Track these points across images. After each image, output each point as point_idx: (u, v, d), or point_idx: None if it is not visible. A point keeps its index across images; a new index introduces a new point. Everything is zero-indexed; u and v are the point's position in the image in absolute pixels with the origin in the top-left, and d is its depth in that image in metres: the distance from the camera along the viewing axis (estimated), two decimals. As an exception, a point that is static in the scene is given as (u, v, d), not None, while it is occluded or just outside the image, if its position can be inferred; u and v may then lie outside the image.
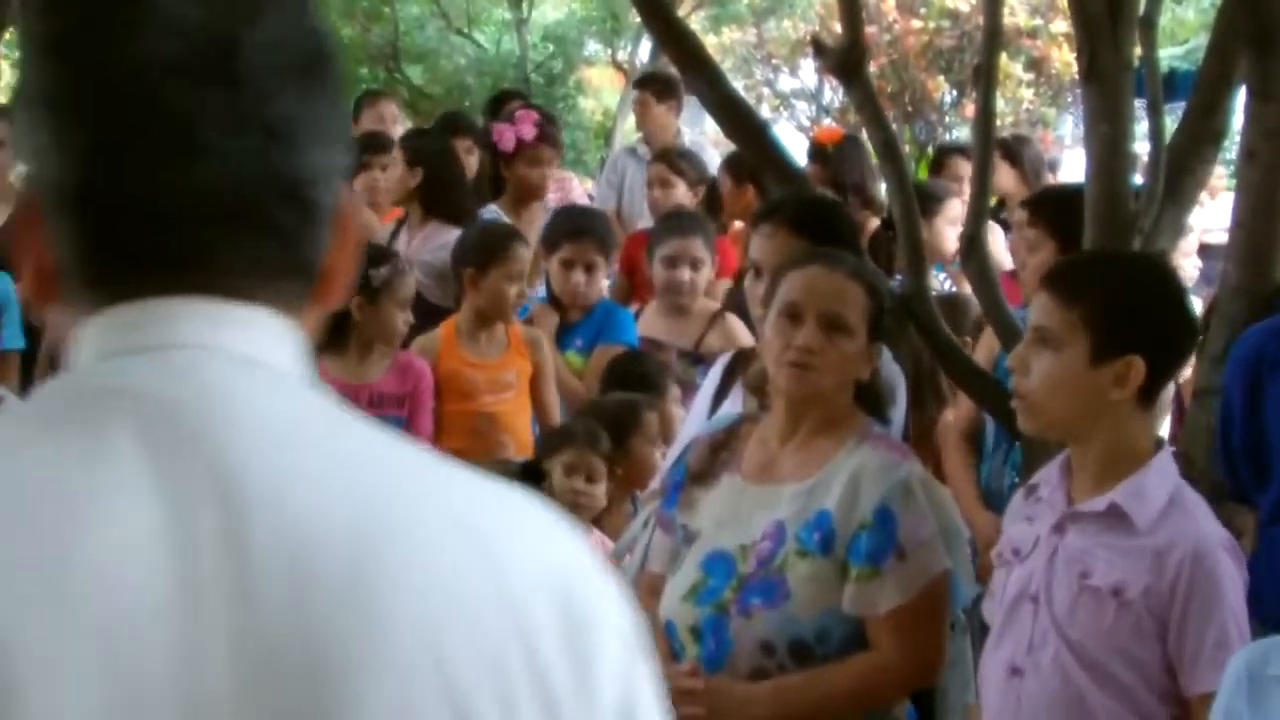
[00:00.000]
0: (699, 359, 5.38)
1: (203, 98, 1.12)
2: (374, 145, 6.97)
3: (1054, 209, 4.45)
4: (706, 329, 5.54)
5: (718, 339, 5.49)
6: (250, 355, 1.14)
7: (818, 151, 7.48)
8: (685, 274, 5.55)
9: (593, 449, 4.56)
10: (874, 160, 6.28)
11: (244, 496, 1.06)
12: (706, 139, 10.07)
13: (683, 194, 6.83)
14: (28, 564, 1.03)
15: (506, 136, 6.59)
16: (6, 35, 8.79)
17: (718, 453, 3.39)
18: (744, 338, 5.46)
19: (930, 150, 11.61)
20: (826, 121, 17.76)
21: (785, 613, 3.12)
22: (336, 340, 4.87)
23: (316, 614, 1.06)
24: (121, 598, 1.03)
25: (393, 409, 4.91)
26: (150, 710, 1.02)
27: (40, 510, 1.05)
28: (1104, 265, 3.35)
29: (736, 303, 5.43)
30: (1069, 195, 4.40)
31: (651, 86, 8.27)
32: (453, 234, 5.79)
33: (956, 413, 4.87)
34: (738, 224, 6.84)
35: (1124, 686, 2.87)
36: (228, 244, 1.14)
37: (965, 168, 6.84)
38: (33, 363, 5.39)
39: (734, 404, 3.99)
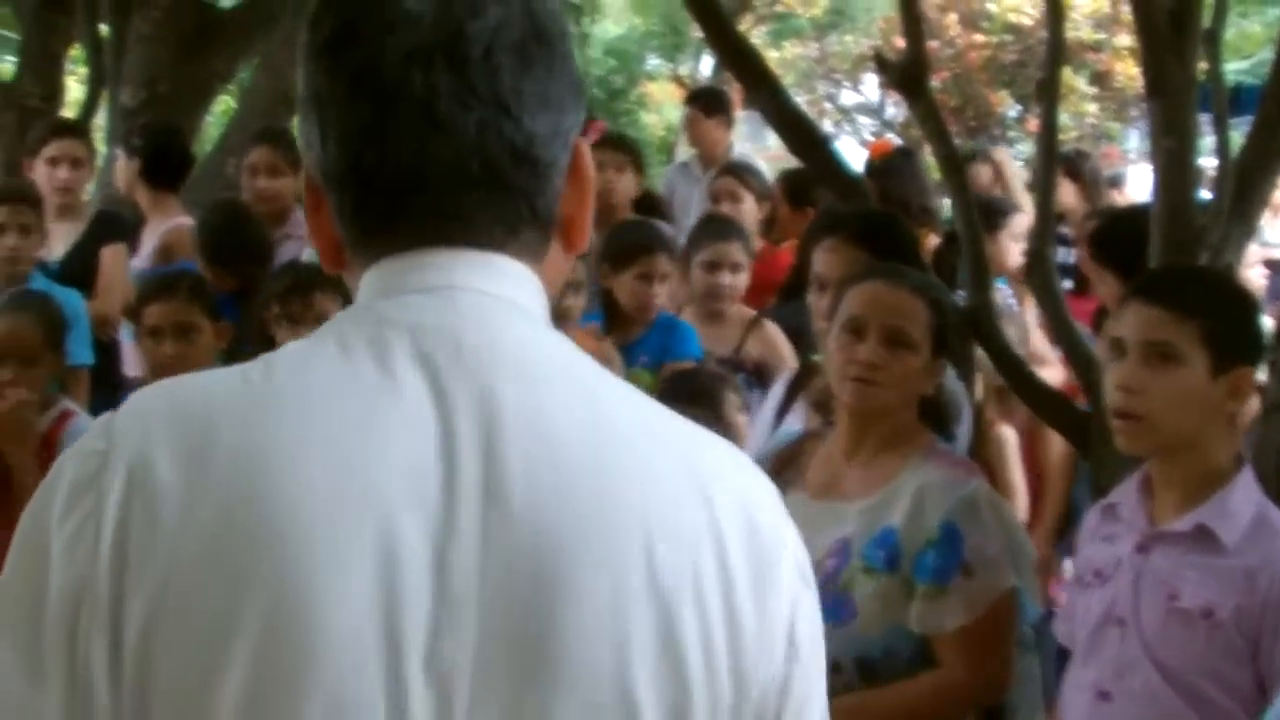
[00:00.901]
0: (738, 366, 5.38)
1: (437, 81, 1.33)
2: None
3: (1112, 246, 4.42)
4: (745, 335, 5.55)
5: (756, 345, 5.50)
6: (511, 298, 1.35)
7: (869, 167, 7.47)
8: (725, 278, 5.53)
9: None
10: (932, 175, 6.27)
11: (500, 417, 1.28)
12: (757, 154, 10.05)
13: (750, 208, 6.80)
14: (320, 465, 1.25)
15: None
16: (72, 50, 8.89)
17: (781, 469, 3.38)
18: (782, 345, 5.46)
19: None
20: (889, 136, 17.72)
21: (851, 631, 3.10)
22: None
23: (549, 520, 1.26)
24: (395, 494, 1.25)
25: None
26: (412, 593, 1.23)
27: (330, 418, 1.27)
28: (1208, 278, 3.26)
29: (779, 317, 5.46)
30: (1126, 223, 4.40)
31: (701, 101, 8.26)
32: None
33: None
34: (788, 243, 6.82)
35: (1217, 709, 2.81)
36: (473, 202, 1.35)
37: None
38: (101, 378, 5.43)
39: (797, 418, 3.98)
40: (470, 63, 1.34)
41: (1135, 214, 4.63)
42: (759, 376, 5.37)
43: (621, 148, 6.85)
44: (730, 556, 1.31)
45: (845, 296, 3.32)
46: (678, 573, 1.28)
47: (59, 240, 5.94)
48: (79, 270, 5.68)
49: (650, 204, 6.95)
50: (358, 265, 1.39)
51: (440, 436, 1.27)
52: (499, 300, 1.35)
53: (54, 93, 8.14)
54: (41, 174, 6.06)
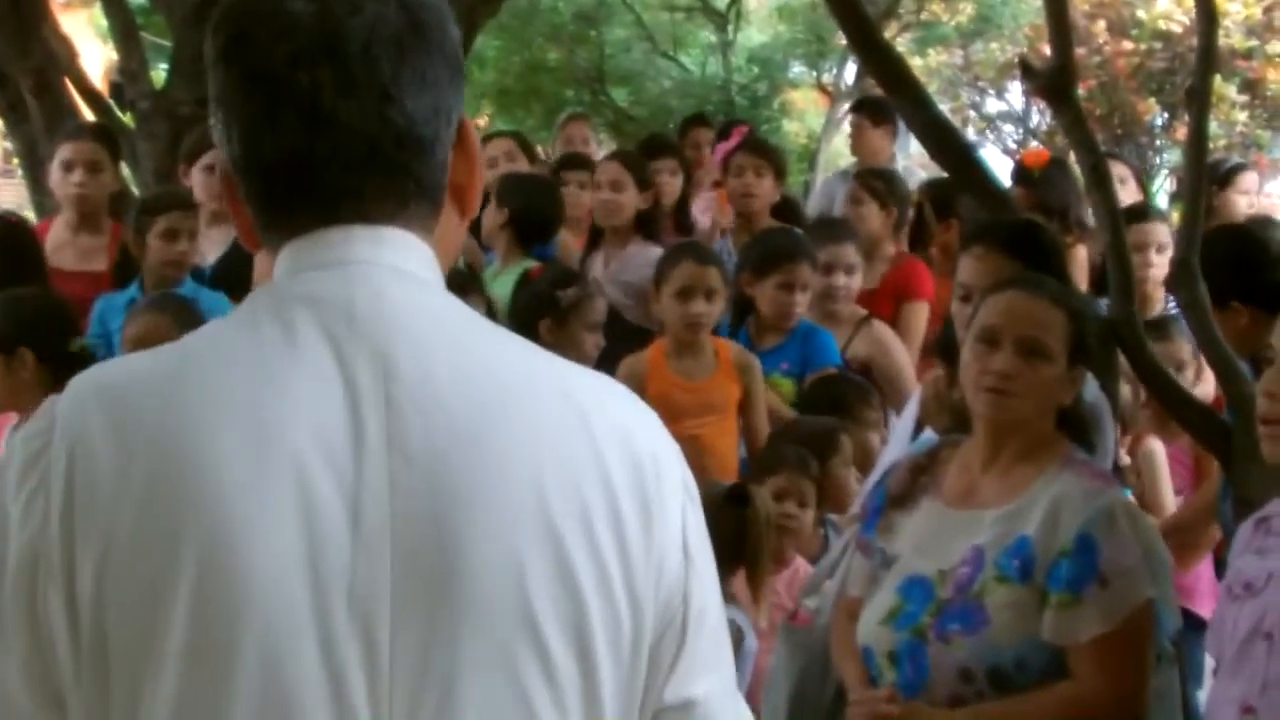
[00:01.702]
0: (846, 364, 5.39)
1: (320, 76, 1.49)
2: (572, 164, 7.03)
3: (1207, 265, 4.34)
4: (854, 333, 5.55)
5: (864, 344, 5.49)
6: (398, 266, 1.51)
7: (1023, 174, 7.38)
8: (840, 279, 5.60)
9: (804, 474, 4.55)
10: (1081, 184, 6.18)
11: (395, 374, 1.44)
12: (913, 162, 10.01)
13: (874, 213, 6.76)
14: (237, 428, 1.41)
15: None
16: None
17: (918, 477, 3.37)
18: (893, 344, 5.48)
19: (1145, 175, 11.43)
20: (1033, 144, 17.54)
21: (984, 639, 3.08)
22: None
23: (446, 465, 1.43)
24: (308, 449, 1.41)
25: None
26: (331, 537, 1.39)
27: (244, 385, 1.43)
28: None
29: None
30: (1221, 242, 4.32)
31: (867, 110, 8.23)
32: (655, 252, 5.80)
33: None
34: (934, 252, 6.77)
35: None
36: (361, 183, 1.52)
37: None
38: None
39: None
40: (350, 57, 1.50)
41: (1230, 234, 4.55)
42: (865, 376, 5.39)
43: (762, 152, 6.84)
44: (614, 480, 1.48)
45: (981, 307, 3.30)
46: (566, 501, 1.45)
47: (213, 245, 6.05)
48: (233, 274, 5.77)
49: (790, 210, 6.94)
50: (270, 247, 1.56)
51: (344, 396, 1.43)
52: (388, 269, 1.50)
53: (205, 100, 8.26)
54: (198, 181, 6.14)
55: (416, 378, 1.45)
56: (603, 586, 1.46)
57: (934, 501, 3.30)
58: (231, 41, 1.53)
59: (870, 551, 3.37)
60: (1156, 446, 5.07)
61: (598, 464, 1.48)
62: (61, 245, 6.01)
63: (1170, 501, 5.04)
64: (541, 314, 5.10)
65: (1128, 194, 7.17)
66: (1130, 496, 4.44)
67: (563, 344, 4.91)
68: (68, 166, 6.04)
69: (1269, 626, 2.86)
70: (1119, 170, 7.34)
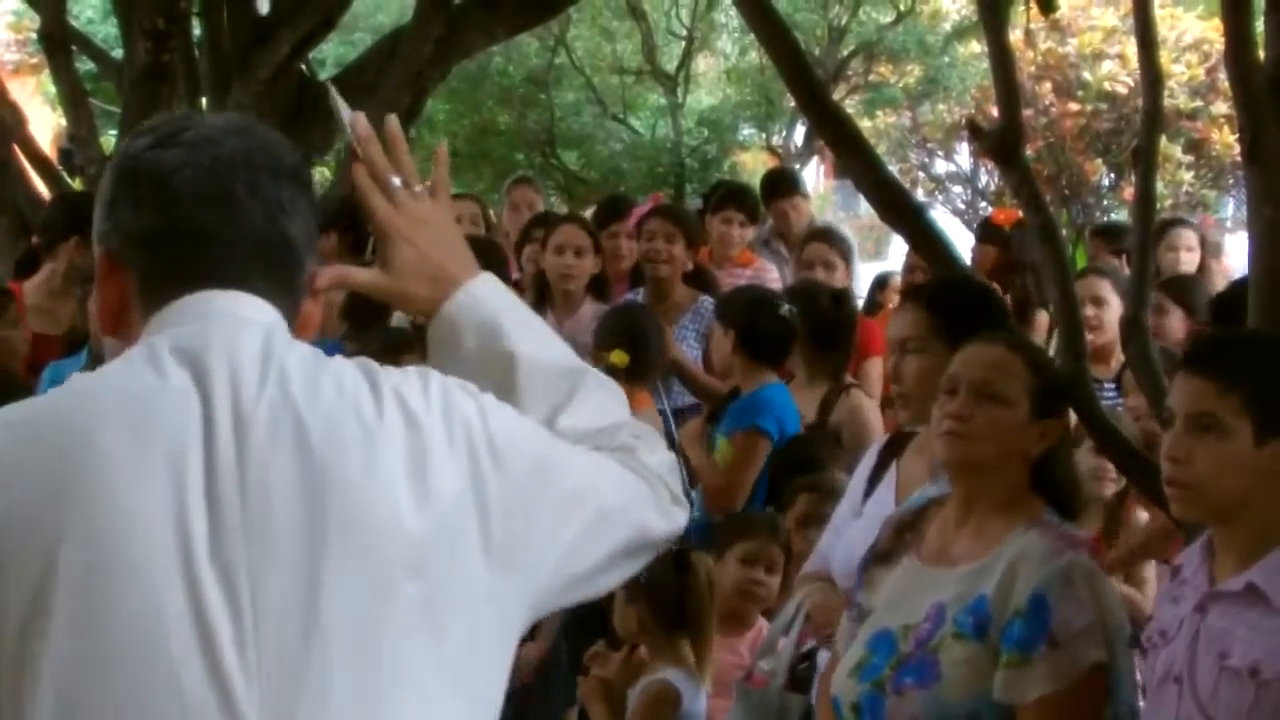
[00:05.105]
0: (821, 430, 5.41)
1: (234, 177, 1.86)
2: (540, 224, 7.10)
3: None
4: (830, 403, 5.57)
5: (840, 412, 5.51)
6: (257, 319, 1.84)
7: (994, 233, 7.43)
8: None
9: (774, 540, 4.54)
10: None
11: (240, 382, 1.76)
12: (849, 222, 10.07)
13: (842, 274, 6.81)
14: (116, 431, 1.72)
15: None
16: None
17: (903, 534, 3.40)
18: (868, 414, 5.46)
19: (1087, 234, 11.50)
20: (982, 205, 17.65)
21: (935, 695, 3.09)
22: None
23: (288, 435, 1.75)
24: (175, 434, 1.73)
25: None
26: (193, 508, 1.70)
27: (123, 394, 1.76)
28: (1256, 345, 3.23)
29: None
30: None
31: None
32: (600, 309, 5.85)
33: None
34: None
35: None
36: (249, 270, 1.87)
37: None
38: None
39: (888, 487, 3.97)
40: (260, 173, 1.88)
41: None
42: (837, 443, 5.39)
43: (674, 218, 6.86)
44: (414, 412, 1.80)
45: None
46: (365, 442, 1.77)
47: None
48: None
49: (702, 278, 6.90)
50: (142, 316, 1.88)
51: (200, 401, 1.75)
52: (244, 320, 1.83)
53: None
54: None
55: (264, 380, 1.77)
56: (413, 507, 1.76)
57: (912, 558, 3.33)
58: (161, 141, 1.89)
59: (853, 607, 3.41)
60: (1144, 519, 5.07)
61: (400, 406, 1.80)
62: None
63: (1152, 574, 5.03)
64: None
65: (1194, 260, 7.22)
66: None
67: None
68: None
69: (1178, 670, 2.92)
70: (1188, 238, 7.40)
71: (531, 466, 1.85)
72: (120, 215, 1.87)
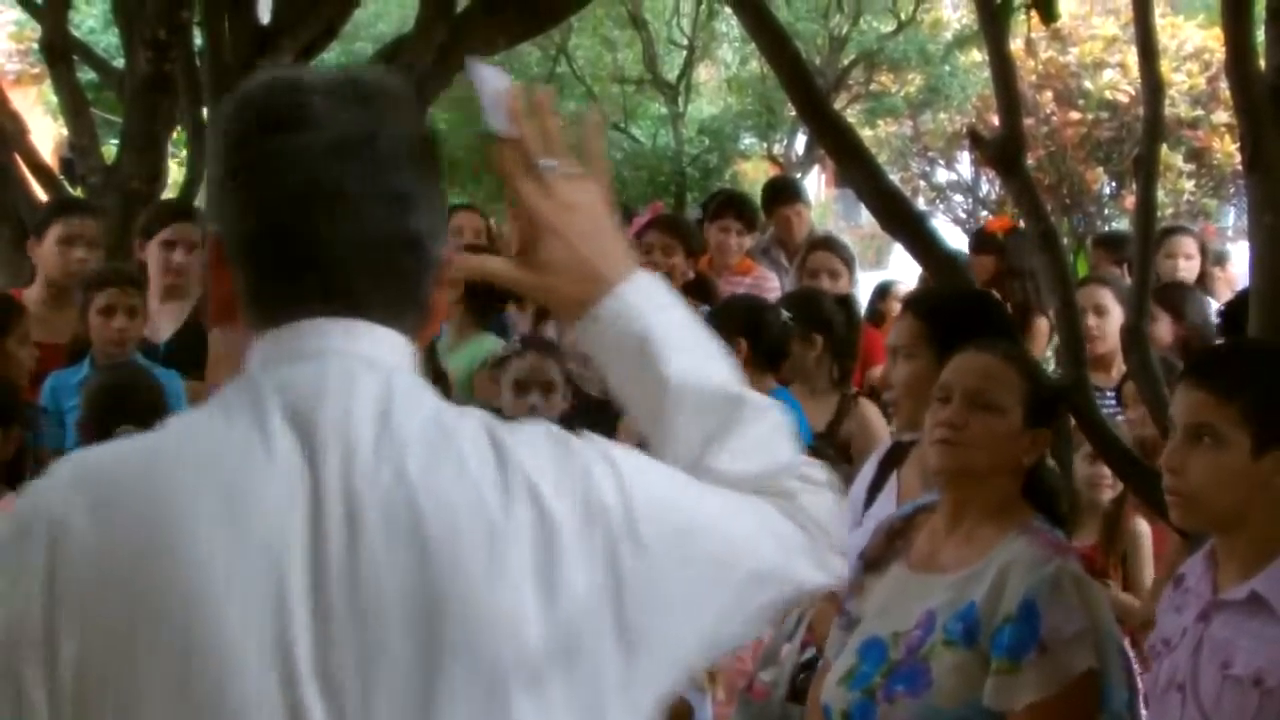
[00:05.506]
0: (830, 442, 5.38)
1: (348, 171, 1.59)
2: None
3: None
4: (842, 413, 5.55)
5: (851, 423, 5.49)
6: (373, 358, 1.60)
7: (989, 241, 7.42)
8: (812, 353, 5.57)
9: None
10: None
11: (354, 452, 1.53)
12: (849, 231, 10.08)
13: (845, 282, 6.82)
14: (211, 516, 1.49)
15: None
16: (175, 134, 9.03)
17: (893, 541, 3.41)
18: (877, 425, 5.44)
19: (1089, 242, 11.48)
20: (983, 214, 17.64)
21: (926, 702, 3.09)
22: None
23: (408, 534, 1.52)
24: (276, 526, 1.50)
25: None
26: (297, 615, 1.49)
27: (217, 472, 1.52)
28: (1257, 356, 3.22)
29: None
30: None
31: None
32: None
33: None
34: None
35: None
36: (366, 283, 1.61)
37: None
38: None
39: (888, 497, 3.97)
40: (378, 160, 1.61)
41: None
42: (845, 453, 5.37)
43: (672, 230, 6.83)
44: (547, 505, 1.56)
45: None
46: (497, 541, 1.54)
47: (166, 321, 6.01)
48: (186, 351, 5.73)
49: (704, 289, 6.86)
50: (252, 327, 1.64)
51: (307, 483, 1.52)
52: (360, 360, 1.60)
53: (156, 175, 8.22)
54: (155, 256, 6.09)
55: (380, 458, 1.54)
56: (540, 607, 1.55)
57: (901, 566, 3.33)
58: (264, 123, 1.61)
59: (843, 615, 3.40)
60: (1143, 528, 5.06)
61: (534, 502, 1.56)
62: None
63: (1148, 584, 5.01)
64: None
65: (1193, 268, 7.23)
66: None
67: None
68: (68, 241, 6.00)
69: (1181, 679, 2.93)
70: (1187, 246, 7.41)
71: (677, 533, 1.63)
72: (225, 207, 1.64)
